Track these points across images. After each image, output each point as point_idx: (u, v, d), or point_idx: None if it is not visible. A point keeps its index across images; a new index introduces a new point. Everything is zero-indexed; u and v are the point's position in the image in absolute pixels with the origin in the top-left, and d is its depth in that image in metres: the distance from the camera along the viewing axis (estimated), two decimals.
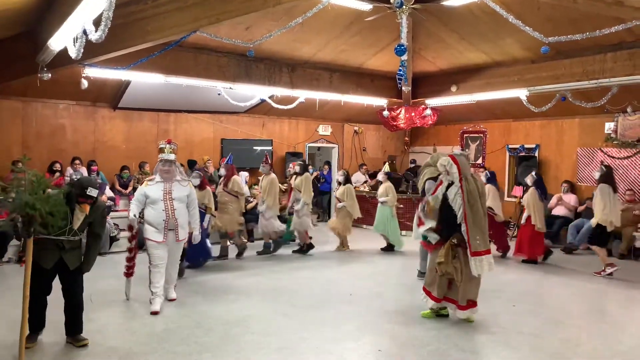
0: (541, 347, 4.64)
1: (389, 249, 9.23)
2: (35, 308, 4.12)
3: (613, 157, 10.02)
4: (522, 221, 8.59)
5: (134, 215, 5.36)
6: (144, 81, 8.98)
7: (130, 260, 5.77)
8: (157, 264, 5.41)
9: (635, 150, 9.63)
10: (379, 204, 9.17)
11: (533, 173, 8.63)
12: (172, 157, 5.44)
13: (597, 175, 7.74)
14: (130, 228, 5.59)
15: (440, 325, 5.20)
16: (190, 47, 8.83)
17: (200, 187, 7.21)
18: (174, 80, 9.04)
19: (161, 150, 5.47)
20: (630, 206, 9.13)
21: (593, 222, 7.49)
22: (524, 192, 8.66)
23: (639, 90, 8.69)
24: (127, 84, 9.36)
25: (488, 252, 5.08)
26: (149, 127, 11.01)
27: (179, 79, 9.04)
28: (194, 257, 7.20)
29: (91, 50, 5.67)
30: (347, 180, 9.30)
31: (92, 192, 4.16)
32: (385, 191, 9.07)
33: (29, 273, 3.77)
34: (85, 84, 8.05)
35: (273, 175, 8.56)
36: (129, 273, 5.78)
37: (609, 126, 10.00)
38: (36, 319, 4.27)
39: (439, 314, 5.39)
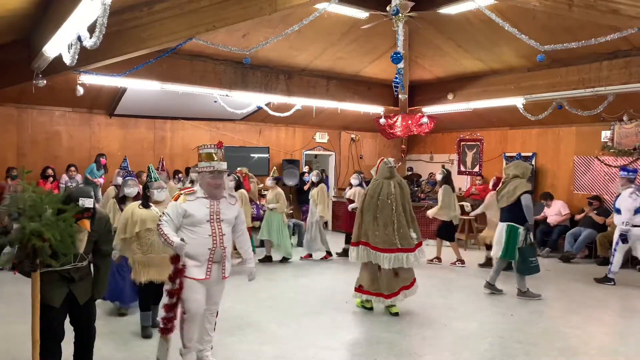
0: (537, 356, 4.59)
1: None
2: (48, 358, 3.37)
3: (610, 166, 10.02)
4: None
5: (182, 240, 3.78)
6: (140, 88, 8.97)
7: (171, 308, 3.89)
8: (195, 312, 3.91)
9: (632, 158, 9.64)
10: (267, 211, 8.62)
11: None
12: (224, 166, 3.98)
13: (439, 177, 8.71)
14: (176, 259, 3.81)
15: (436, 334, 5.16)
16: (186, 54, 8.83)
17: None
18: (170, 88, 9.03)
19: (208, 157, 3.98)
20: None
21: (430, 213, 8.67)
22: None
23: (635, 98, 8.72)
24: (123, 91, 9.34)
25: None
26: (146, 134, 10.98)
27: (175, 86, 9.03)
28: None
29: (86, 57, 5.67)
30: (321, 180, 9.05)
31: (87, 202, 3.38)
32: (275, 197, 8.51)
33: (37, 313, 3.14)
34: (80, 90, 8.03)
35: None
36: (167, 328, 3.93)
37: (605, 134, 10.01)
38: None
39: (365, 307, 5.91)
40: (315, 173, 9.32)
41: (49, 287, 3.37)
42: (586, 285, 7.47)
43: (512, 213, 6.46)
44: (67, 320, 3.60)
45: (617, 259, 7.43)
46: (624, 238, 7.21)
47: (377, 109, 11.83)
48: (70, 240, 3.10)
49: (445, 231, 8.66)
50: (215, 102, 9.71)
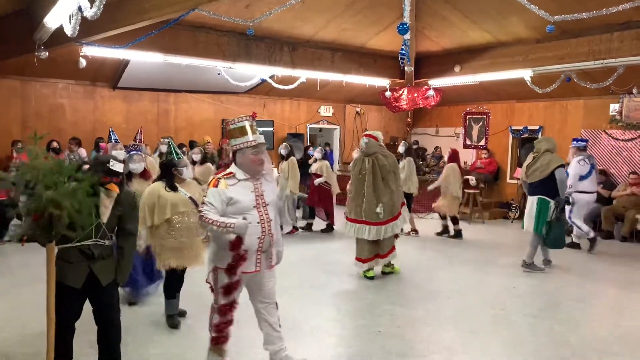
0: (539, 327, 4.63)
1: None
2: (60, 339, 3.06)
3: (617, 139, 9.92)
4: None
5: (244, 218, 3.24)
6: (143, 60, 8.88)
7: (227, 311, 3.38)
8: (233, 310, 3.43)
9: None
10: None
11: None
12: (263, 138, 3.46)
13: (402, 149, 8.67)
14: (237, 245, 3.22)
15: (439, 307, 5.20)
16: (189, 25, 8.70)
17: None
18: (173, 60, 8.93)
19: (242, 132, 3.39)
20: (635, 189, 9.05)
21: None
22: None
23: None
24: (126, 63, 9.26)
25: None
26: (149, 107, 10.93)
27: (178, 58, 8.93)
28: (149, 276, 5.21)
29: (88, 29, 5.58)
30: (291, 153, 8.85)
31: (117, 165, 3.19)
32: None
33: (52, 291, 2.87)
34: (83, 63, 7.97)
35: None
36: (223, 336, 3.42)
37: (613, 108, 9.87)
38: (62, 353, 3.18)
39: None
40: (318, 149, 9.27)
41: (68, 266, 3.10)
42: (590, 258, 7.49)
43: (544, 187, 6.41)
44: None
45: (579, 224, 7.84)
46: (567, 202, 6.96)
47: (383, 82, 11.70)
48: (88, 211, 2.82)
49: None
50: (219, 74, 9.62)
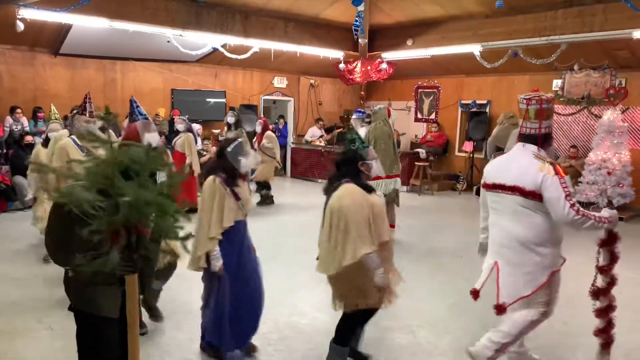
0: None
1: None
2: None
3: (559, 114, 10.38)
4: None
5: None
6: (87, 26, 8.44)
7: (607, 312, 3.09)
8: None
9: (580, 107, 10.01)
10: None
11: (233, 110, 9.30)
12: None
13: (231, 120, 8.55)
14: (614, 240, 2.99)
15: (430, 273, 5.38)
16: None
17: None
18: (120, 26, 8.54)
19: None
20: (573, 162, 9.55)
21: None
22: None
23: (586, 48, 8.94)
24: (68, 28, 8.77)
25: None
26: (95, 75, 10.45)
27: (125, 24, 8.55)
28: None
29: None
30: (239, 123, 8.67)
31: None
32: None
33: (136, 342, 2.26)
34: (20, 26, 7.50)
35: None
36: (608, 339, 3.12)
37: (556, 83, 10.30)
38: None
39: None
40: (230, 114, 8.94)
41: (100, 290, 2.35)
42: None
43: None
44: None
45: None
46: None
47: (337, 54, 11.67)
48: (172, 214, 2.11)
49: None
50: (168, 42, 9.29)
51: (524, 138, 3.03)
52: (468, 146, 11.60)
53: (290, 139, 13.34)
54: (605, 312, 3.07)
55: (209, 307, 3.45)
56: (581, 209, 2.78)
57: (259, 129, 9.00)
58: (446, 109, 12.48)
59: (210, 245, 3.27)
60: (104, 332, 2.41)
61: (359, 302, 3.17)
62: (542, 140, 2.98)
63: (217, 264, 3.27)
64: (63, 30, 8.92)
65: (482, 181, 3.27)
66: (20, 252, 5.95)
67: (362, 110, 8.57)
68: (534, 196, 2.85)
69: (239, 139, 3.46)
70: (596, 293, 3.07)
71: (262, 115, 12.71)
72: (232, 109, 10.52)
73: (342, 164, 3.28)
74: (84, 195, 2.01)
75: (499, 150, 7.95)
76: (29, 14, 7.55)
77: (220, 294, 3.36)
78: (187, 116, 8.99)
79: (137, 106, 3.85)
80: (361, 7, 6.87)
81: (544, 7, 8.53)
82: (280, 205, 9.07)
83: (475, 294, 3.18)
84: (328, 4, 10.03)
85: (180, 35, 9.23)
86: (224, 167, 3.35)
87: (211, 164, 3.54)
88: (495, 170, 3.12)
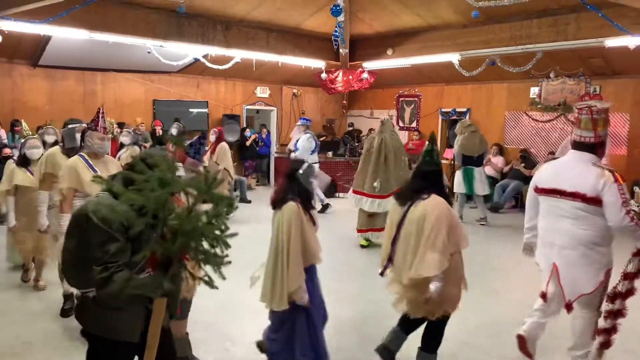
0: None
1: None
2: None
3: (537, 121, 10.58)
4: None
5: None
6: (66, 37, 8.39)
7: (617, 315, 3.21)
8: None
9: (557, 114, 10.21)
10: None
11: (177, 122, 9.44)
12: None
13: (175, 131, 8.67)
14: None
15: (374, 274, 5.42)
16: (117, 1, 8.32)
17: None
18: (100, 37, 8.51)
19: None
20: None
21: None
22: None
23: (561, 56, 9.16)
24: (47, 39, 8.72)
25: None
26: (75, 87, 10.39)
27: (105, 35, 8.52)
28: None
29: (3, 1, 5.23)
30: (181, 136, 8.55)
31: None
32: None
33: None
34: None
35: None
36: (608, 341, 3.24)
37: (533, 91, 10.51)
38: None
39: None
40: (175, 125, 8.98)
41: (118, 313, 2.19)
42: (512, 231, 8.02)
43: None
44: None
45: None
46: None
47: (319, 64, 11.75)
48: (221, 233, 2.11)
49: None
50: (149, 52, 9.28)
51: (578, 146, 3.20)
52: (449, 154, 11.74)
53: (274, 148, 13.37)
54: (614, 316, 3.20)
55: (289, 342, 3.19)
56: (635, 217, 2.95)
57: (212, 138, 8.82)
58: (427, 117, 12.63)
59: (302, 278, 3.02)
60: (120, 356, 2.28)
61: (449, 308, 3.29)
62: (598, 148, 3.15)
63: (306, 296, 3.03)
64: (42, 42, 8.86)
65: (533, 185, 3.45)
66: None
67: (308, 118, 9.64)
68: (595, 202, 3.03)
69: (306, 162, 3.29)
70: (614, 297, 3.21)
71: (244, 125, 12.74)
72: (176, 119, 10.10)
73: (429, 176, 3.32)
74: (121, 208, 2.01)
75: (467, 158, 8.72)
76: (7, 25, 7.48)
77: (310, 327, 3.14)
78: (132, 128, 8.88)
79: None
80: (341, 18, 6.96)
81: (519, 17, 8.72)
82: (262, 215, 9.04)
83: (544, 296, 3.38)
84: (309, 14, 10.12)
85: (161, 46, 9.22)
86: (299, 190, 3.14)
87: (282, 188, 3.24)
88: (551, 176, 3.29)
